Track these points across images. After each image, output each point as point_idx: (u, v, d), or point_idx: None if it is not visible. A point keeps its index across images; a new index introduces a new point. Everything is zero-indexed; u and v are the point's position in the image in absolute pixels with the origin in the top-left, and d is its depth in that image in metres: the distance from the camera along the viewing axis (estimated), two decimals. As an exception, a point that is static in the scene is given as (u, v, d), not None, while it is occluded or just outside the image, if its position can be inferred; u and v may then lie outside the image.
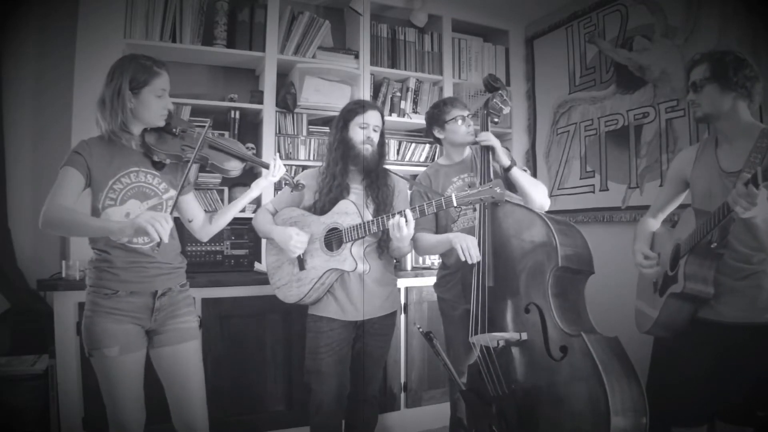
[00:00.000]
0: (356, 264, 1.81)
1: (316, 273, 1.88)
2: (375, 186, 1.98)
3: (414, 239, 2.01)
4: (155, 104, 1.61)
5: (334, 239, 1.88)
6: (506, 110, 2.04)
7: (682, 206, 1.87)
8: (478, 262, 1.79)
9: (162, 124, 1.66)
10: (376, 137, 1.98)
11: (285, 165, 1.86)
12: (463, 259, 1.79)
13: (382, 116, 2.02)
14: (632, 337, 1.69)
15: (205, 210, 1.97)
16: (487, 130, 2.04)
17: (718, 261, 1.53)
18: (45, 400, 2.25)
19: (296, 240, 1.87)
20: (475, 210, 1.99)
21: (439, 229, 2.10)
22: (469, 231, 1.98)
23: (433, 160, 3.29)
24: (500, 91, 2.04)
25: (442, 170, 2.14)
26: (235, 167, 1.76)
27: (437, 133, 2.13)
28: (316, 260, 1.90)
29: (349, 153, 1.95)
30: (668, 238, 1.72)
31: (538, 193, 1.96)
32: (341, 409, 1.96)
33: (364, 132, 1.95)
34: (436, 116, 2.10)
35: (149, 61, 1.61)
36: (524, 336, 1.70)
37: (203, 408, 1.72)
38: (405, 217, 1.72)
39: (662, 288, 1.65)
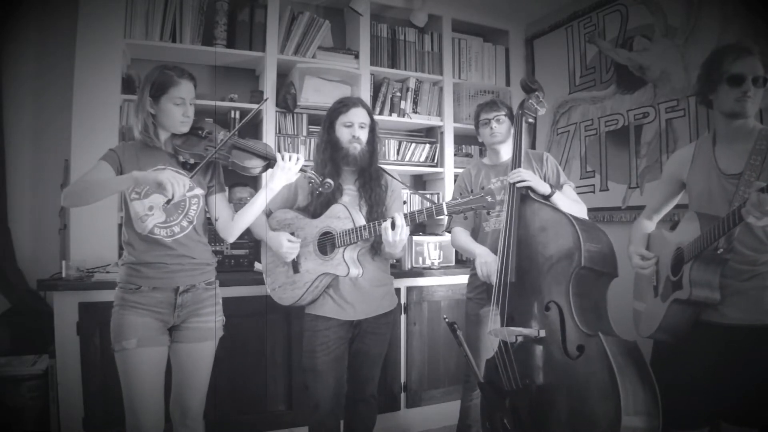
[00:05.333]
0: (349, 269, 1.80)
1: (310, 277, 1.88)
2: (368, 187, 1.96)
3: (451, 232, 2.25)
4: (174, 111, 1.69)
5: (327, 243, 1.87)
6: (542, 111, 2.07)
7: (679, 206, 1.87)
8: (502, 259, 1.83)
9: (184, 130, 1.74)
10: (363, 135, 1.95)
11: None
12: (481, 277, 1.96)
13: (369, 112, 2.00)
14: (631, 338, 1.68)
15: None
16: (521, 130, 2.02)
17: (723, 266, 1.50)
18: (45, 400, 2.25)
19: (288, 246, 1.88)
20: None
21: (473, 227, 2.22)
22: (500, 232, 1.97)
23: (432, 160, 3.30)
24: (536, 93, 2.06)
25: (484, 169, 2.24)
26: (255, 165, 1.79)
27: (477, 137, 2.28)
28: (309, 264, 1.90)
29: (337, 154, 1.93)
30: (663, 240, 1.71)
31: (575, 213, 1.95)
32: (339, 407, 1.96)
33: (349, 131, 1.94)
34: (474, 120, 2.27)
35: (173, 71, 1.70)
36: (542, 333, 1.71)
37: (202, 399, 1.77)
38: (393, 224, 1.72)
39: (664, 293, 1.63)
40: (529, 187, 1.90)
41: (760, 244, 1.51)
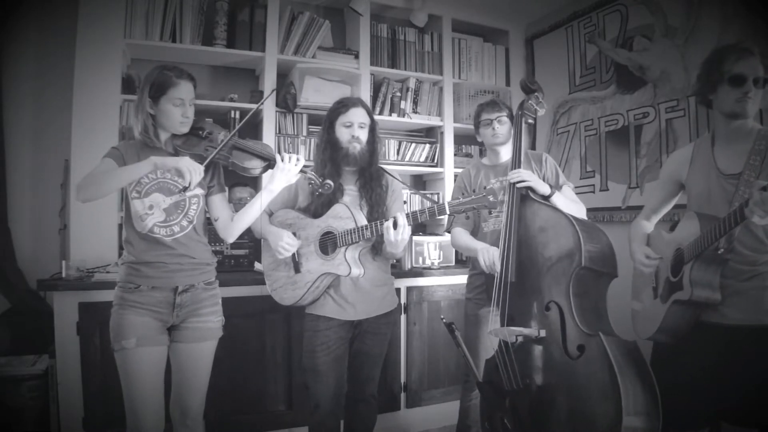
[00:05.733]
0: (350, 269, 1.80)
1: (311, 277, 1.88)
2: (369, 187, 1.96)
3: (451, 232, 2.24)
4: (173, 112, 1.69)
5: (329, 243, 1.87)
6: (541, 112, 2.07)
7: (678, 206, 1.86)
8: (503, 259, 1.84)
9: (183, 131, 1.74)
10: (362, 134, 1.95)
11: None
12: (485, 268, 1.94)
13: (369, 112, 2.00)
14: (631, 338, 1.68)
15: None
16: (520, 130, 2.02)
17: (724, 266, 1.50)
18: (45, 400, 2.25)
19: (285, 242, 1.87)
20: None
21: (473, 227, 2.22)
22: (499, 233, 1.98)
23: (432, 160, 3.30)
24: (536, 93, 2.07)
25: (483, 169, 2.24)
26: (255, 166, 1.78)
27: (477, 137, 2.27)
28: (311, 264, 1.89)
29: (337, 154, 1.93)
30: (663, 240, 1.71)
31: (574, 214, 1.95)
32: (339, 408, 1.96)
33: (348, 131, 1.93)
34: (474, 120, 2.25)
35: (172, 71, 1.70)
36: (542, 333, 1.72)
37: (202, 400, 1.77)
38: (395, 223, 1.71)
39: (664, 294, 1.63)
40: (529, 188, 1.91)
41: (759, 244, 1.51)
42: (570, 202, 2.01)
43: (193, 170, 1.58)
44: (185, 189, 1.61)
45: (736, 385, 1.51)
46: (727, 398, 1.54)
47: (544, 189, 1.93)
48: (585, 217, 1.98)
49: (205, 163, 1.69)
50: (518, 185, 1.89)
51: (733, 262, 1.52)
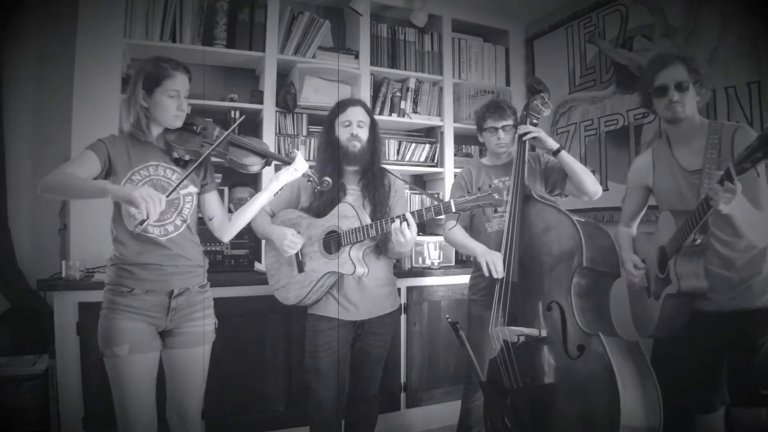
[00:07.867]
0: (354, 267, 1.80)
1: (315, 276, 1.88)
2: (372, 186, 1.96)
3: (449, 229, 2.17)
4: (168, 105, 1.63)
5: (332, 242, 1.87)
6: (546, 112, 2.08)
7: (651, 207, 1.91)
8: (505, 258, 1.85)
9: (177, 124, 1.68)
10: (362, 133, 1.95)
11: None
12: (487, 274, 1.89)
13: (368, 111, 2.01)
14: (632, 337, 1.70)
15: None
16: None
17: (704, 255, 1.57)
18: (45, 400, 2.25)
19: (290, 240, 1.88)
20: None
21: (473, 227, 2.19)
22: (502, 233, 1.98)
23: (433, 160, 3.29)
24: (542, 94, 2.07)
25: (485, 169, 2.23)
26: (253, 163, 1.77)
27: (478, 137, 2.24)
28: (314, 263, 1.90)
29: (337, 153, 1.94)
30: (647, 242, 1.77)
31: (589, 178, 2.00)
32: (340, 408, 1.96)
33: (347, 129, 1.94)
34: (477, 121, 2.22)
35: (167, 63, 1.64)
36: (544, 332, 1.73)
37: (199, 403, 1.74)
38: (407, 221, 1.72)
39: (656, 291, 1.67)
40: (535, 137, 1.96)
41: (734, 229, 1.55)
42: (579, 163, 2.03)
43: (151, 200, 1.40)
44: (142, 222, 1.42)
45: (735, 368, 1.59)
46: (730, 383, 1.60)
47: (551, 144, 1.98)
48: (596, 180, 2.03)
49: (201, 159, 1.65)
50: (525, 137, 1.96)
51: (718, 246, 1.58)
